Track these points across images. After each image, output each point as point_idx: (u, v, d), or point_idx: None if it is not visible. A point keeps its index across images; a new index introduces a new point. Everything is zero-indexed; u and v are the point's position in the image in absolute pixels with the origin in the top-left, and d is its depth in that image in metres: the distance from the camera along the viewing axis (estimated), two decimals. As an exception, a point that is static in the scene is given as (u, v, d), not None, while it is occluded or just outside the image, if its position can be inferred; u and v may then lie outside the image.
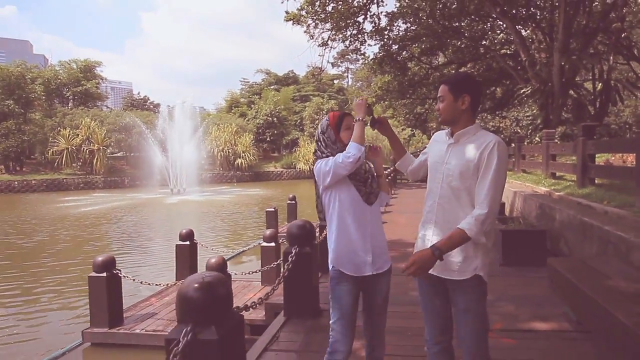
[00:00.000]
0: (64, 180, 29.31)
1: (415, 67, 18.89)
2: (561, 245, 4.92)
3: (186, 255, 6.21)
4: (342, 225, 2.04)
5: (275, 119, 39.99)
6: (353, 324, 2.06)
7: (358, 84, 57.99)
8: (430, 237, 1.87)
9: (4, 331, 5.47)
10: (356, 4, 15.13)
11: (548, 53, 13.03)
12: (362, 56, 18.78)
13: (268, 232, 6.11)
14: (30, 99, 29.93)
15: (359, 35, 16.48)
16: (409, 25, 16.66)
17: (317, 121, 36.02)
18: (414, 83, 18.33)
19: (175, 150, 26.93)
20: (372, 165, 2.20)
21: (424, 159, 2.07)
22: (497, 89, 19.06)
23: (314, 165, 2.16)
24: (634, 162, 4.84)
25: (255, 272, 5.51)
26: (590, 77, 14.42)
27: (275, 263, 5.29)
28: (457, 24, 16.31)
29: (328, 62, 42.63)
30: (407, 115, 22.07)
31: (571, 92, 12.89)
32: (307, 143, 35.77)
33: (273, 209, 10.33)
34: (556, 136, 10.52)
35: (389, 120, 2.41)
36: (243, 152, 35.21)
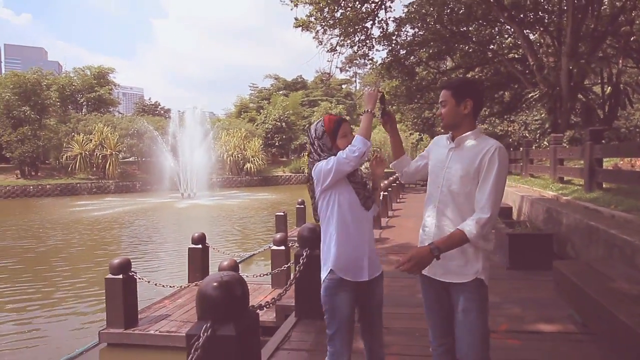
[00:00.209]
0: (77, 185, 29.80)
1: (423, 71, 18.97)
2: (568, 248, 4.96)
3: (198, 258, 6.33)
4: (344, 229, 1.97)
5: (283, 123, 40.27)
6: (352, 332, 2.01)
7: (366, 89, 58.02)
8: (429, 241, 1.87)
9: (23, 333, 5.62)
10: (364, 10, 15.28)
11: (556, 57, 13.02)
12: (370, 61, 18.95)
13: (278, 235, 6.21)
14: (45, 105, 30.52)
15: (367, 41, 16.63)
16: (416, 30, 16.76)
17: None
18: (422, 88, 18.41)
19: (185, 155, 27.28)
20: (363, 172, 2.14)
21: (422, 164, 2.08)
22: (506, 93, 19.05)
23: (308, 168, 2.08)
24: (641, 167, 4.86)
25: (266, 274, 5.62)
26: (599, 81, 14.37)
27: (286, 266, 5.39)
28: (464, 28, 16.37)
29: (336, 67, 43.09)
30: (415, 120, 22.15)
31: (580, 96, 12.85)
32: (316, 148, 35.78)
33: (282, 213, 10.44)
34: (565, 140, 10.51)
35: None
36: (252, 156, 35.50)
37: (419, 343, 3.00)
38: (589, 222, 4.40)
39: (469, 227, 1.71)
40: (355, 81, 63.70)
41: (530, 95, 13.82)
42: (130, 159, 36.36)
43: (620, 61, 13.69)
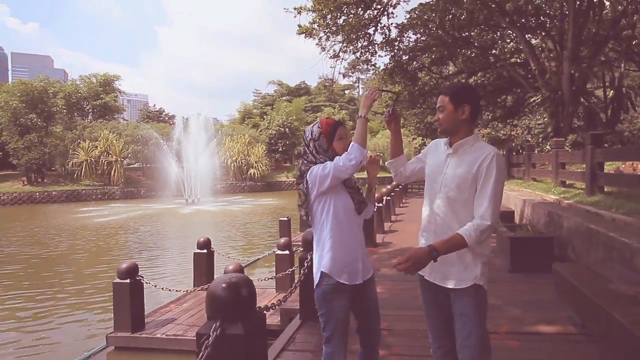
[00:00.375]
0: (83, 191, 30.06)
1: (425, 77, 19.05)
2: (569, 251, 5.01)
3: (203, 263, 6.41)
4: (339, 234, 2.00)
5: (287, 129, 40.48)
6: (347, 334, 2.05)
7: (364, 93, 58.30)
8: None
9: (32, 337, 5.72)
10: (367, 17, 15.41)
11: (558, 61, 13.07)
12: (373, 67, 19.03)
13: (282, 240, 6.30)
14: (52, 112, 30.88)
15: (370, 47, 16.75)
16: (419, 36, 16.86)
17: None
18: (425, 93, 18.49)
19: (190, 161, 27.49)
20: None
21: (418, 167, 2.09)
22: (508, 97, 19.09)
23: (300, 170, 2.09)
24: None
25: (270, 278, 5.69)
26: (602, 85, 14.40)
27: (290, 270, 5.47)
28: (466, 34, 16.46)
29: (339, 73, 42.94)
30: (418, 125, 22.22)
31: (582, 100, 12.89)
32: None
33: (286, 218, 10.53)
34: (567, 144, 10.54)
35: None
36: (256, 162, 35.70)
37: (420, 344, 3.07)
38: (589, 225, 4.45)
39: (469, 232, 1.72)
40: (358, 87, 63.99)
41: (532, 99, 13.86)
42: (135, 165, 36.68)
43: (622, 65, 13.72)
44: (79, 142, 31.12)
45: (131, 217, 18.77)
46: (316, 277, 2.04)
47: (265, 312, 2.39)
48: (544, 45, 14.57)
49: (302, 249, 3.76)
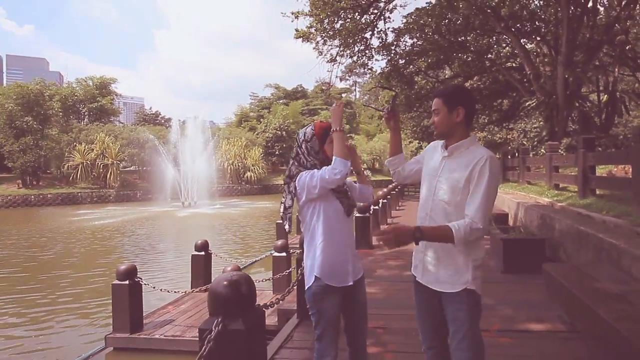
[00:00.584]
0: (78, 194, 29.98)
1: (421, 80, 19.22)
2: (560, 253, 5.12)
3: (201, 265, 6.46)
4: (330, 237, 2.05)
5: (284, 132, 40.61)
6: (338, 332, 2.12)
7: (365, 97, 58.61)
8: (421, 248, 1.92)
9: (30, 339, 5.74)
10: (364, 21, 15.56)
11: (552, 66, 13.23)
12: (370, 71, 19.20)
13: (279, 242, 6.38)
14: (47, 115, 30.84)
15: (367, 51, 16.90)
16: (415, 40, 17.03)
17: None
18: (421, 96, 18.63)
19: (186, 164, 27.51)
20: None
21: (416, 168, 2.10)
22: (504, 101, 19.27)
23: (290, 170, 2.14)
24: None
25: (268, 279, 5.76)
26: (596, 89, 14.58)
27: (287, 271, 5.54)
28: (462, 38, 16.63)
29: (336, 76, 43.31)
30: (415, 128, 22.37)
31: (577, 104, 13.05)
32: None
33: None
34: (562, 148, 10.67)
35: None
36: (252, 165, 35.79)
37: (415, 342, 3.13)
38: (579, 227, 4.55)
39: (458, 227, 1.70)
40: (355, 90, 64.28)
41: (527, 103, 14.03)
42: (131, 168, 36.60)
43: (616, 69, 13.91)
44: (75, 145, 31.05)
45: (127, 220, 18.75)
46: (308, 280, 2.10)
47: (264, 309, 2.47)
48: (538, 50, 14.75)
49: (299, 251, 3.83)
